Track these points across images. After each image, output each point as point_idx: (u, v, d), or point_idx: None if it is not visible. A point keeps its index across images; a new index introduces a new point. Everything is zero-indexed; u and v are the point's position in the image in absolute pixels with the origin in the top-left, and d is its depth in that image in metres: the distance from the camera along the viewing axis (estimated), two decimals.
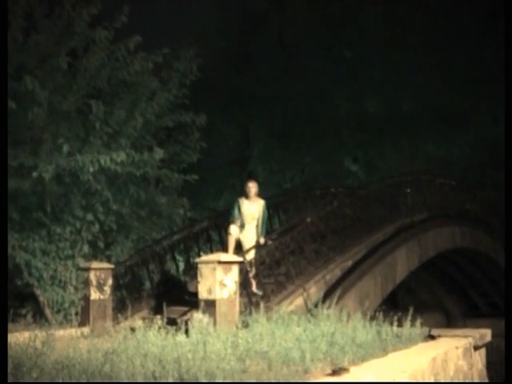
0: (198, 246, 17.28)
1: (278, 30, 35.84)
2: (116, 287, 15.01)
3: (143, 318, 13.25)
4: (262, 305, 12.05)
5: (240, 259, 12.47)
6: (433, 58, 32.64)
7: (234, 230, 14.25)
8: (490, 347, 13.09)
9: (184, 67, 18.67)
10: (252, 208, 14.32)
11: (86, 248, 15.47)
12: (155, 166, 17.03)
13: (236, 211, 14.33)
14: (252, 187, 14.44)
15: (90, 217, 15.61)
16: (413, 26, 33.14)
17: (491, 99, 31.82)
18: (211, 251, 15.96)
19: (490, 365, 12.97)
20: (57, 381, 7.57)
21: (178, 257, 17.17)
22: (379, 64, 33.05)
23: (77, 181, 15.41)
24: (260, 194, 14.85)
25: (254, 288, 13.39)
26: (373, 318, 12.01)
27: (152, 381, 7.75)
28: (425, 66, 32.66)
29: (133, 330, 10.33)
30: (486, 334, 12.64)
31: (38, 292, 14.78)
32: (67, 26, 16.27)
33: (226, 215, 15.14)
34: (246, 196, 14.45)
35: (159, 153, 16.54)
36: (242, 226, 14.28)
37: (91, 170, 14.91)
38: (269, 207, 15.73)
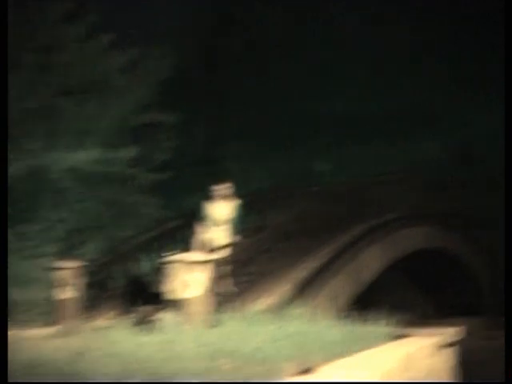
0: (165, 245, 17.21)
1: (250, 31, 35.83)
2: (85, 286, 14.90)
3: (113, 317, 13.20)
4: (228, 304, 12.03)
5: (208, 258, 12.43)
6: (404, 59, 32.81)
7: (203, 229, 14.21)
8: (460, 346, 13.14)
9: (156, 66, 18.62)
10: (221, 209, 14.27)
11: (55, 246, 15.36)
12: (125, 165, 16.97)
13: (205, 212, 14.28)
14: (221, 189, 14.38)
15: (59, 215, 15.51)
16: (383, 25, 33.28)
17: (462, 100, 32.06)
18: (180, 250, 15.90)
19: (460, 363, 13.03)
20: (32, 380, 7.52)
21: (147, 255, 17.09)
22: (349, 64, 33.16)
23: (47, 179, 15.31)
24: (231, 195, 14.79)
25: (221, 287, 13.36)
26: (343, 317, 12.02)
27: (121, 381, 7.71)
28: (396, 67, 32.81)
29: (99, 329, 10.26)
30: (457, 332, 12.67)
31: None
32: (39, 21, 16.17)
33: (196, 215, 15.08)
34: (215, 197, 14.39)
35: (130, 151, 16.49)
36: (211, 227, 14.24)
37: (61, 168, 14.82)
38: (240, 207, 15.72)
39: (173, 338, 9.60)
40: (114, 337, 9.58)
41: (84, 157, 14.93)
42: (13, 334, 8.95)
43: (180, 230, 17.56)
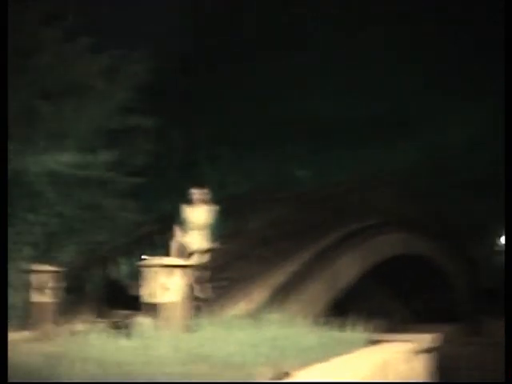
0: (142, 249, 17.17)
1: (230, 35, 35.85)
2: (59, 290, 14.82)
3: (86, 322, 13.14)
4: (205, 309, 12.04)
5: (184, 263, 12.43)
6: (382, 67, 32.98)
7: (179, 234, 14.20)
8: (436, 352, 13.21)
9: (133, 70, 18.60)
10: (197, 214, 14.25)
11: (28, 250, 15.28)
12: (101, 168, 16.92)
13: (181, 217, 14.27)
14: (197, 193, 14.36)
15: (33, 218, 15.43)
16: (364, 34, 33.44)
17: (437, 108, 32.28)
18: (156, 255, 15.87)
19: (432, 369, 13.09)
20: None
21: (122, 260, 17.03)
22: (329, 71, 33.29)
23: (20, 182, 15.23)
24: (208, 199, 14.77)
25: (198, 292, 13.35)
26: (318, 323, 12.06)
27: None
28: (374, 75, 32.97)
29: (75, 333, 10.24)
30: (429, 339, 12.75)
31: None
32: (15, 24, 16.09)
33: (172, 219, 15.06)
34: (192, 202, 14.37)
35: (106, 155, 16.45)
36: (187, 231, 14.22)
37: (37, 170, 14.76)
38: (217, 212, 15.71)
39: (150, 342, 9.61)
40: (91, 341, 9.57)
41: (62, 160, 14.88)
42: None
43: (158, 234, 17.52)
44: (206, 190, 14.70)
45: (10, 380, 7.47)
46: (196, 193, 14.37)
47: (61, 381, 7.59)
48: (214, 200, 15.32)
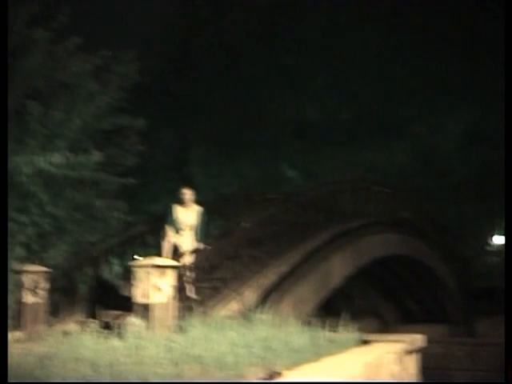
0: (133, 249, 17.15)
1: (219, 36, 35.87)
2: (50, 290, 14.79)
3: (77, 322, 13.14)
4: (197, 309, 12.04)
5: (175, 263, 12.44)
6: (371, 68, 33.03)
7: (169, 234, 14.21)
8: (424, 352, 13.25)
9: (123, 70, 18.58)
10: (187, 214, 14.27)
11: (19, 250, 15.26)
12: (92, 169, 16.91)
13: (170, 217, 14.27)
14: (186, 194, 14.37)
15: (24, 219, 15.41)
16: (352, 35, 33.49)
17: (428, 109, 32.36)
18: (147, 255, 15.86)
19: (423, 370, 13.12)
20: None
21: (113, 260, 17.02)
22: (319, 72, 33.33)
23: (11, 182, 15.19)
24: (196, 200, 14.78)
25: (190, 292, 13.36)
26: (308, 323, 12.07)
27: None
28: (364, 75, 33.01)
29: (66, 333, 10.23)
30: (419, 339, 12.79)
31: None
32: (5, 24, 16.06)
33: (162, 219, 15.06)
34: (181, 202, 14.38)
35: (96, 155, 16.44)
36: (177, 232, 14.23)
37: (26, 171, 14.73)
38: (206, 212, 15.71)
39: (142, 342, 9.60)
40: (79, 341, 9.55)
41: (53, 160, 14.85)
42: None
43: (149, 235, 17.52)
44: (194, 190, 14.73)
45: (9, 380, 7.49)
46: (187, 193, 14.38)
47: (58, 381, 7.59)
48: (205, 200, 15.34)
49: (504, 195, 13.06)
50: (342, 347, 11.24)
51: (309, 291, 16.42)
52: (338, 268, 18.12)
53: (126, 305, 12.92)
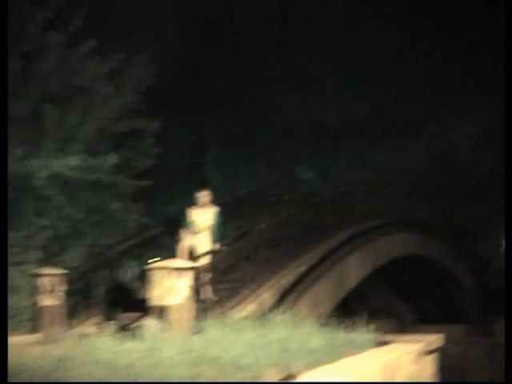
0: (151, 251, 17.18)
1: (233, 37, 35.87)
2: (68, 293, 14.84)
3: (96, 324, 13.18)
4: (214, 310, 12.04)
5: (192, 265, 12.44)
6: (385, 68, 32.94)
7: (186, 236, 14.21)
8: (441, 353, 13.20)
9: (138, 73, 18.63)
10: (203, 216, 14.27)
11: (38, 253, 15.32)
12: (108, 172, 16.97)
13: (188, 219, 14.28)
14: (202, 196, 14.37)
15: (42, 222, 15.49)
16: (365, 35, 33.40)
17: (443, 109, 32.24)
18: (164, 257, 15.88)
19: (441, 370, 13.07)
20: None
21: (131, 262, 17.05)
22: (333, 73, 33.28)
23: (29, 186, 15.27)
24: (213, 201, 14.79)
25: (207, 294, 13.37)
26: (325, 324, 12.05)
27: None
28: (378, 76, 32.93)
29: (84, 336, 10.24)
30: (438, 339, 12.74)
31: None
32: (21, 28, 16.13)
33: (179, 221, 15.08)
34: (198, 204, 14.38)
35: (113, 158, 16.50)
36: (194, 233, 14.23)
37: (44, 174, 14.80)
38: (223, 213, 15.71)
39: (155, 344, 9.60)
40: (97, 344, 9.57)
41: (67, 163, 14.90)
42: None
43: (163, 237, 17.54)
44: (210, 192, 14.74)
45: (10, 380, 7.50)
46: (202, 195, 14.39)
47: (62, 381, 7.60)
48: (221, 202, 15.34)
49: (504, 195, 13.04)
50: (359, 348, 11.21)
51: (326, 292, 16.41)
52: (355, 268, 18.09)
53: (142, 307, 12.94)
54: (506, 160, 13.67)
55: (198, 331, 11.14)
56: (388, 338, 12.42)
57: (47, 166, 14.84)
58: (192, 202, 14.60)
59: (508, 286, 12.53)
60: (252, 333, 10.78)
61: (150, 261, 15.63)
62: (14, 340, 11.55)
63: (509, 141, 13.60)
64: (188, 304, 11.73)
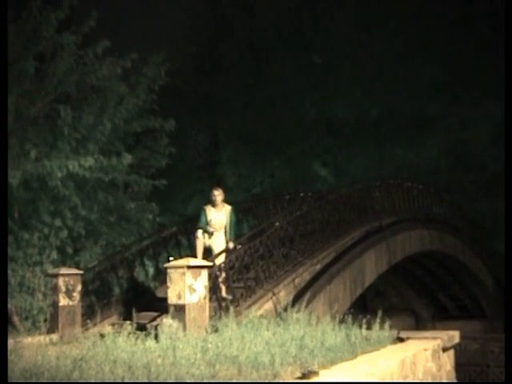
0: (167, 251, 17.21)
1: (247, 36, 35.90)
2: (85, 293, 14.87)
3: (112, 324, 13.22)
4: (231, 309, 12.03)
5: (209, 264, 12.45)
6: (400, 64, 32.88)
7: (202, 235, 14.20)
8: (458, 349, 13.17)
9: (152, 72, 18.65)
10: (219, 215, 14.26)
11: (54, 254, 15.36)
12: (124, 172, 16.99)
13: (203, 218, 14.26)
14: (217, 195, 14.35)
15: (58, 223, 15.51)
16: (380, 32, 33.35)
17: (458, 104, 32.12)
18: (180, 256, 15.90)
19: (458, 366, 13.05)
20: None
21: (147, 262, 17.08)
22: (348, 70, 33.26)
23: (45, 186, 15.30)
24: (228, 200, 14.79)
25: (224, 292, 13.37)
26: (342, 321, 12.03)
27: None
28: (393, 72, 32.88)
29: (102, 336, 10.27)
30: (455, 335, 12.72)
31: None
32: (34, 30, 16.17)
33: (194, 220, 15.09)
34: (212, 203, 14.37)
35: (128, 158, 16.51)
36: (210, 232, 14.23)
37: (59, 175, 14.82)
38: (238, 212, 15.70)
39: (175, 343, 9.62)
40: (116, 343, 9.59)
41: (86, 164, 14.92)
42: (13, 341, 8.96)
43: (180, 236, 17.58)
44: (226, 191, 14.75)
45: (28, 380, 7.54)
46: (218, 193, 14.39)
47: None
48: (237, 200, 15.34)
49: (504, 195, 13.00)
50: (377, 345, 11.21)
51: (343, 289, 16.39)
52: (372, 265, 18.06)
53: (160, 306, 12.97)
54: (506, 160, 13.65)
55: (215, 330, 11.14)
56: (406, 334, 12.41)
57: (62, 166, 14.84)
58: (207, 202, 14.60)
59: (508, 286, 12.51)
60: (270, 331, 10.78)
61: (167, 260, 15.70)
62: (31, 340, 11.61)
63: (509, 141, 13.58)
64: (204, 303, 11.74)
